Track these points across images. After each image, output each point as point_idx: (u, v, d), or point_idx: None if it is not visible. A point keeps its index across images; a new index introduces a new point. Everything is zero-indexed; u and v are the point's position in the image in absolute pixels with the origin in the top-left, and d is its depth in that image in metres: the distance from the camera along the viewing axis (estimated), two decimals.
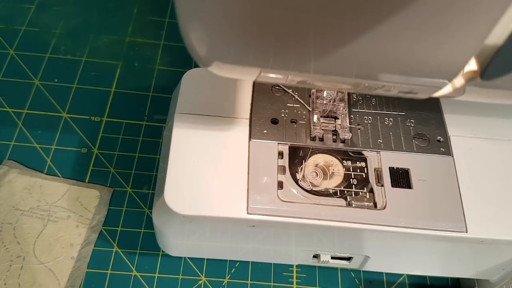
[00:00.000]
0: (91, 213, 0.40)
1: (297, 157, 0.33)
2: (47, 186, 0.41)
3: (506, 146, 0.34)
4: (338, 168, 0.33)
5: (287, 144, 0.33)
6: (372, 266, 0.36)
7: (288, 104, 0.35)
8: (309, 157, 0.33)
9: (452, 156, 0.33)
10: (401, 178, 0.32)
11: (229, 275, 0.39)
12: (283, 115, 0.35)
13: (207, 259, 0.40)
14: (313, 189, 0.32)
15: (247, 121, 0.34)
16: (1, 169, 0.41)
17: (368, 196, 0.32)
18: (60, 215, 0.40)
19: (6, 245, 0.38)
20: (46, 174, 0.42)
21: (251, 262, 0.40)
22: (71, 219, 0.40)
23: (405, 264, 0.36)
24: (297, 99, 0.36)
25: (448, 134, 0.34)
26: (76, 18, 0.53)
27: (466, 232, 0.30)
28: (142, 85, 0.48)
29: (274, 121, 0.34)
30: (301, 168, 0.32)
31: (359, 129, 0.35)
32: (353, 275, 0.40)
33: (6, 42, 0.50)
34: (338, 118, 0.34)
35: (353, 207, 0.31)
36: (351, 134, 0.34)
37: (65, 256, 0.38)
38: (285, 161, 0.33)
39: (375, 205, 0.31)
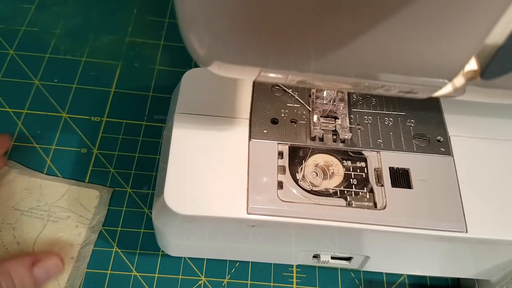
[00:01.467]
0: (91, 213, 0.40)
1: (297, 157, 0.33)
2: (47, 186, 0.41)
3: (506, 146, 0.34)
4: (338, 168, 0.33)
5: (287, 144, 0.33)
6: (372, 266, 0.36)
7: (288, 104, 0.35)
8: (309, 157, 0.33)
9: (452, 156, 0.33)
10: (401, 178, 0.32)
11: (229, 275, 0.39)
12: (283, 115, 0.35)
13: (207, 259, 0.40)
14: (313, 189, 0.32)
15: (247, 121, 0.34)
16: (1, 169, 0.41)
17: (368, 196, 0.32)
18: (60, 215, 0.40)
19: (6, 246, 0.38)
20: (46, 174, 0.42)
21: (251, 262, 0.40)
22: (71, 219, 0.40)
23: (405, 264, 0.36)
24: (297, 99, 0.36)
25: (448, 134, 0.34)
26: (76, 18, 0.53)
27: (466, 232, 0.30)
28: (142, 85, 0.48)
29: (274, 121, 0.34)
30: (301, 168, 0.32)
31: (359, 129, 0.34)
32: (353, 275, 0.40)
33: (6, 42, 0.50)
34: (338, 118, 0.34)
35: (353, 207, 0.31)
36: (351, 134, 0.34)
37: (64, 257, 0.38)
38: (285, 161, 0.33)
39: (375, 205, 0.31)
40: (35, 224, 0.39)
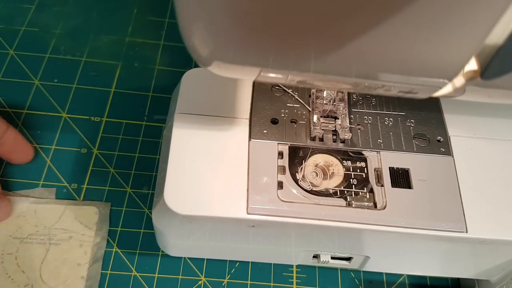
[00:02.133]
0: (93, 230, 0.39)
1: (297, 157, 0.33)
2: (42, 210, 0.40)
3: (506, 146, 0.34)
4: (338, 168, 0.33)
5: (287, 144, 0.33)
6: (372, 266, 0.36)
7: (288, 104, 0.35)
8: (309, 157, 0.33)
9: (452, 156, 0.33)
10: (401, 178, 0.32)
11: (229, 275, 0.39)
12: (283, 115, 0.35)
13: (207, 259, 0.40)
14: (313, 189, 0.32)
15: (247, 121, 0.34)
16: None
17: (368, 196, 0.32)
18: (61, 237, 0.39)
19: (10, 276, 0.37)
20: (38, 197, 0.41)
21: (251, 262, 0.40)
22: (73, 239, 0.39)
23: (405, 264, 0.36)
24: (297, 99, 0.36)
25: (448, 134, 0.34)
26: (76, 18, 0.53)
27: (466, 232, 0.30)
28: (142, 85, 0.48)
29: (274, 121, 0.34)
30: (301, 168, 0.32)
31: (359, 129, 0.34)
32: (353, 275, 0.40)
33: (6, 42, 0.50)
34: (338, 118, 0.34)
35: (353, 207, 0.31)
36: (351, 134, 0.34)
37: (74, 277, 0.37)
38: (285, 161, 0.33)
39: (375, 205, 0.31)
40: (37, 250, 0.38)
